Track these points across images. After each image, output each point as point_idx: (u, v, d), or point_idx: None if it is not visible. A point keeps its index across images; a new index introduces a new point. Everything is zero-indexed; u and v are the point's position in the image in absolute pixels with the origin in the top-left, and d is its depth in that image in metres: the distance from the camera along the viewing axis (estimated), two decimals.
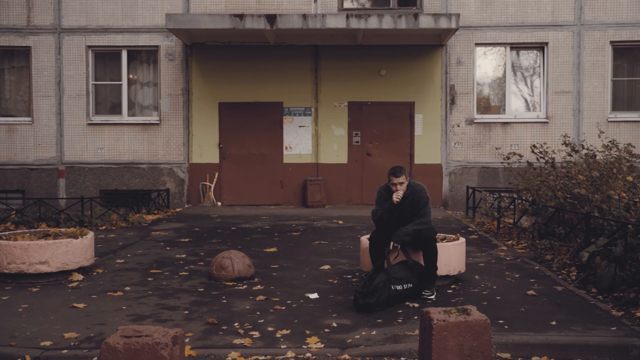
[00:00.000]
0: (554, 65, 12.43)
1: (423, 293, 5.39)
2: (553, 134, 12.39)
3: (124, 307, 5.17)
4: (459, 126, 12.55)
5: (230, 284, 5.98)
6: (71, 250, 6.13)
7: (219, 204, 12.70)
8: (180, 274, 6.49)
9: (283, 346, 4.20)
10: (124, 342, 3.04)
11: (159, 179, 12.72)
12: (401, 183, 5.56)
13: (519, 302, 5.26)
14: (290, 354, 4.07)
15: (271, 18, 11.07)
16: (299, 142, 12.75)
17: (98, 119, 12.78)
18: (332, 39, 12.30)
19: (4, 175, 12.67)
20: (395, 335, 4.39)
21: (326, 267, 6.78)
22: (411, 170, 12.54)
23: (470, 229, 9.65)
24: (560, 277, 6.30)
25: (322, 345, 4.20)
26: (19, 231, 6.77)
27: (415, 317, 4.81)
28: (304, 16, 11.06)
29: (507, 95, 12.69)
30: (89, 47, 12.67)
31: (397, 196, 5.58)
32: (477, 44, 12.56)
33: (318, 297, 5.49)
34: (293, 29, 11.28)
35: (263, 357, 4.03)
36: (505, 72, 12.69)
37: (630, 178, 7.57)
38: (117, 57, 12.77)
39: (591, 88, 12.42)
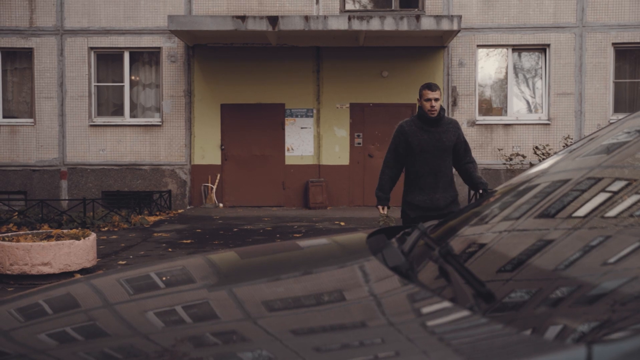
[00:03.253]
0: (555, 67, 12.43)
1: None
2: (555, 135, 12.39)
3: None
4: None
5: None
6: (73, 252, 6.14)
7: (221, 205, 12.71)
8: None
9: None
10: None
11: (160, 180, 12.73)
12: (437, 99, 4.62)
13: None
14: None
15: (273, 19, 11.08)
16: (300, 143, 12.76)
17: (100, 120, 12.79)
18: (334, 41, 12.31)
19: (6, 176, 12.69)
20: None
21: None
22: None
23: None
24: None
25: None
26: (21, 232, 6.78)
27: None
28: (306, 18, 11.07)
29: (509, 97, 12.69)
30: (91, 48, 12.69)
31: (382, 212, 4.80)
32: (479, 46, 12.56)
33: None
34: (295, 31, 11.29)
35: None
36: (507, 73, 12.69)
37: None
38: (119, 58, 12.79)
39: (593, 90, 12.42)
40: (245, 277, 1.67)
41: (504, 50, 12.65)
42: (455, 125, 4.73)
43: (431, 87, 4.64)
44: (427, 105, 4.62)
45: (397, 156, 4.76)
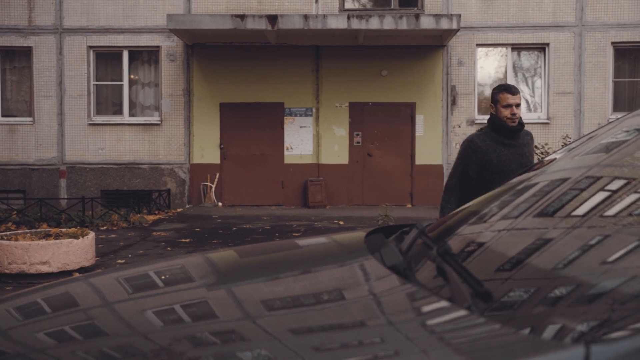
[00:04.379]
0: (555, 66, 12.43)
1: None
2: (554, 134, 12.39)
3: None
4: (460, 127, 12.55)
5: None
6: (72, 251, 6.14)
7: (220, 204, 12.71)
8: None
9: None
10: None
11: (160, 179, 12.72)
12: (518, 105, 3.79)
13: None
14: None
15: (272, 18, 11.07)
16: (299, 142, 12.75)
17: (99, 119, 12.78)
18: (333, 40, 12.30)
19: (5, 175, 12.68)
20: None
21: None
22: (412, 170, 12.54)
23: None
24: None
25: None
26: (20, 231, 6.78)
27: None
28: (305, 17, 11.06)
29: None
30: (90, 47, 12.67)
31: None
32: (478, 45, 12.56)
33: None
34: (294, 30, 11.28)
35: None
36: (506, 72, 12.69)
37: None
38: (118, 57, 12.78)
39: (592, 89, 12.42)
40: (244, 276, 1.67)
41: (503, 49, 12.65)
42: (531, 137, 4.02)
43: (511, 89, 3.83)
44: (507, 112, 3.78)
45: (467, 180, 3.85)
